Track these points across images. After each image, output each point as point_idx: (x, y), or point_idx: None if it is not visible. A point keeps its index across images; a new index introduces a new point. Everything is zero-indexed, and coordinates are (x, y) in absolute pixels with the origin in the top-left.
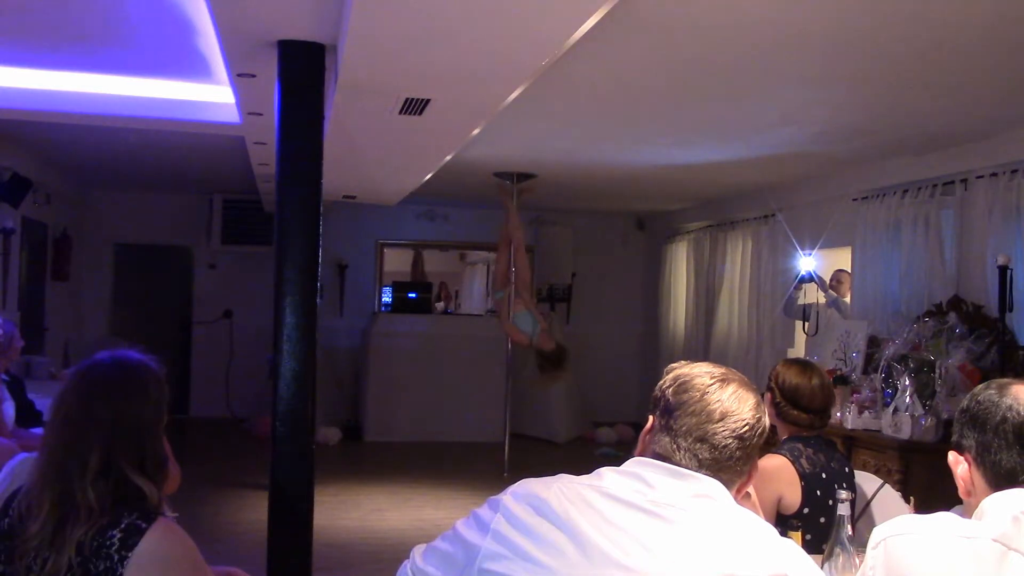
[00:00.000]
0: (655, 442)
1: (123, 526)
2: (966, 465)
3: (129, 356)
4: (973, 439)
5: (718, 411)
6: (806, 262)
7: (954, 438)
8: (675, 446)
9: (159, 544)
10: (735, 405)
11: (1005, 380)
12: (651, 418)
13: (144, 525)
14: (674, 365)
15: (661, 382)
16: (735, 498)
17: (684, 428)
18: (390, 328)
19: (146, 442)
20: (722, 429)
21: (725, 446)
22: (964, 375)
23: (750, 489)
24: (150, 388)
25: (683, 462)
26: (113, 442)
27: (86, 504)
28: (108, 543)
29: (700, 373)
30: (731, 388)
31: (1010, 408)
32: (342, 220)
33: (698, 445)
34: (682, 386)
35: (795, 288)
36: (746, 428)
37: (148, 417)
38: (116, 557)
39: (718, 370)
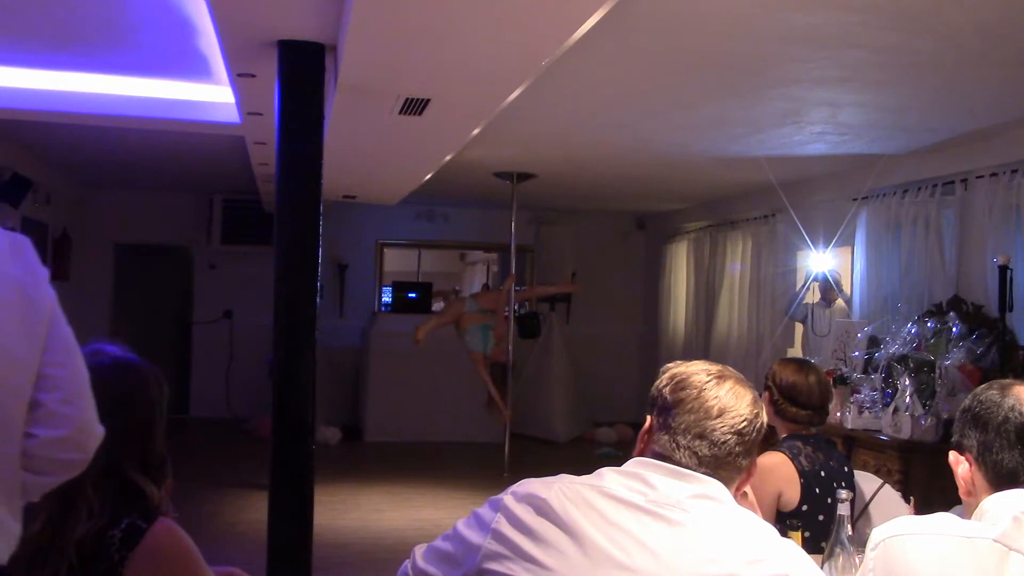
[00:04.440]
0: (654, 441)
1: (123, 526)
2: (967, 465)
3: (129, 357)
4: (974, 439)
5: (716, 407)
6: (822, 261)
7: (955, 438)
8: (674, 444)
9: (159, 544)
10: (733, 401)
11: (1007, 380)
12: (649, 418)
13: (144, 525)
14: (669, 365)
15: (658, 382)
16: (733, 496)
17: (683, 426)
18: (390, 328)
19: (147, 442)
20: (720, 425)
21: (724, 442)
22: (964, 375)
23: (747, 488)
24: (150, 388)
25: (683, 460)
26: (114, 442)
27: (86, 504)
28: (108, 543)
29: (696, 371)
30: (728, 385)
31: (1012, 408)
32: (342, 220)
33: (697, 442)
34: (679, 384)
35: (806, 288)
36: (744, 423)
37: (149, 417)
38: (116, 557)
39: (714, 367)
